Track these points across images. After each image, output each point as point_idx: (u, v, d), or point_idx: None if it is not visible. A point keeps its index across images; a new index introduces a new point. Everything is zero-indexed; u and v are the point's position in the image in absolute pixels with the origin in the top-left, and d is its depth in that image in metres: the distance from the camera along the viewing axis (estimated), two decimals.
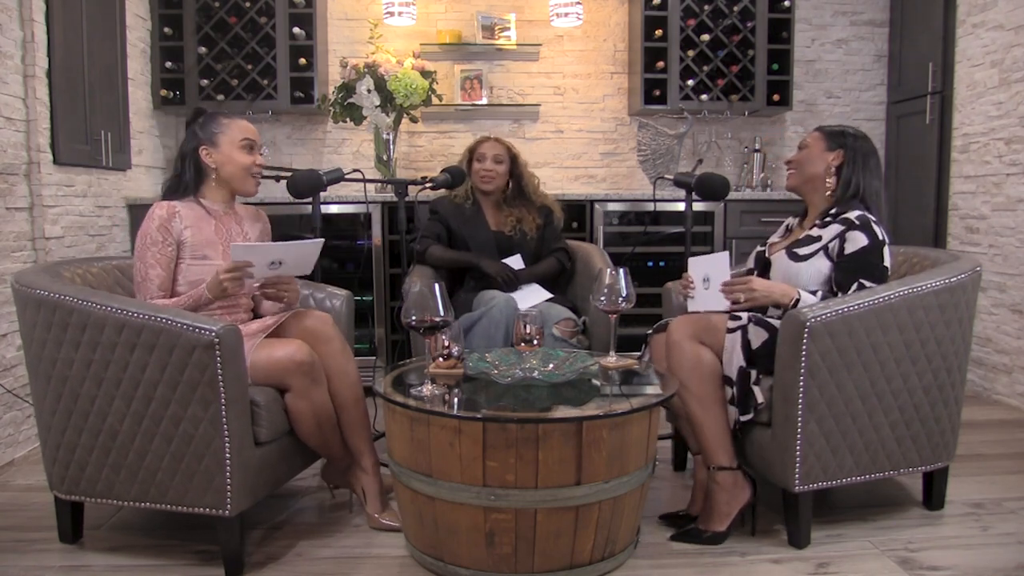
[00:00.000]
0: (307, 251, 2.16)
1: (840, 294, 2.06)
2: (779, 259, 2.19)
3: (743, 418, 2.06)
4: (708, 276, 2.17)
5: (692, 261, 2.27)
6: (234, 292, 2.09)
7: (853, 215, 2.10)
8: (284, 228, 3.91)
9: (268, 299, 2.23)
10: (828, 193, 2.20)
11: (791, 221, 2.40)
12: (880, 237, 2.08)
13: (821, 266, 2.11)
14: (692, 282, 2.27)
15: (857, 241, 2.07)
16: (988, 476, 2.57)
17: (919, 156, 4.06)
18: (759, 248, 2.38)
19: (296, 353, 2.03)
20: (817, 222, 2.19)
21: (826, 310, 1.94)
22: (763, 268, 2.27)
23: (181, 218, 2.13)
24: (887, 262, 2.09)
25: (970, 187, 3.62)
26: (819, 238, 2.14)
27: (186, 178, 2.21)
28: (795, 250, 2.16)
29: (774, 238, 2.40)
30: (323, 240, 2.23)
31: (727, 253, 2.19)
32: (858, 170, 2.17)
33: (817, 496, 2.15)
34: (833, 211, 2.17)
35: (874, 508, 2.31)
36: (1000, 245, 3.44)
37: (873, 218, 2.11)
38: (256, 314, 2.35)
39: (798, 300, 2.04)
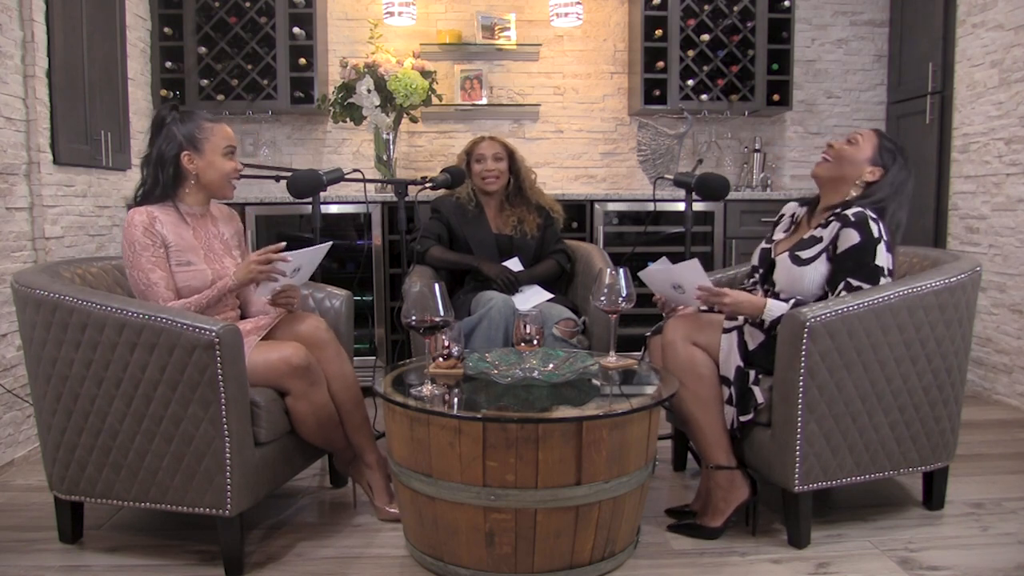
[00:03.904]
0: (319, 256, 2.21)
1: (830, 294, 2.05)
2: (782, 261, 2.14)
3: (743, 418, 2.06)
4: (679, 284, 2.10)
5: (649, 274, 2.15)
6: (260, 279, 2.09)
7: (851, 212, 2.04)
8: (284, 228, 3.92)
9: (278, 307, 2.22)
10: (848, 198, 2.12)
11: (798, 211, 2.32)
12: (875, 235, 2.01)
13: (823, 268, 2.07)
14: (662, 298, 2.22)
15: (849, 239, 2.02)
16: (988, 476, 2.57)
17: (919, 156, 4.05)
18: (765, 245, 2.31)
19: (292, 356, 2.03)
20: (821, 221, 2.14)
21: (826, 310, 1.94)
22: (768, 268, 2.22)
23: (161, 223, 2.11)
24: (880, 261, 2.02)
25: (970, 187, 3.62)
26: (820, 239, 2.09)
27: (162, 182, 2.15)
28: (798, 252, 2.11)
29: (779, 234, 2.32)
30: (331, 243, 2.25)
31: (697, 260, 2.07)
32: (889, 196, 2.09)
33: (817, 496, 2.15)
34: (837, 209, 2.10)
35: (874, 508, 2.31)
36: (1000, 245, 3.44)
37: (872, 215, 2.03)
38: (243, 314, 2.35)
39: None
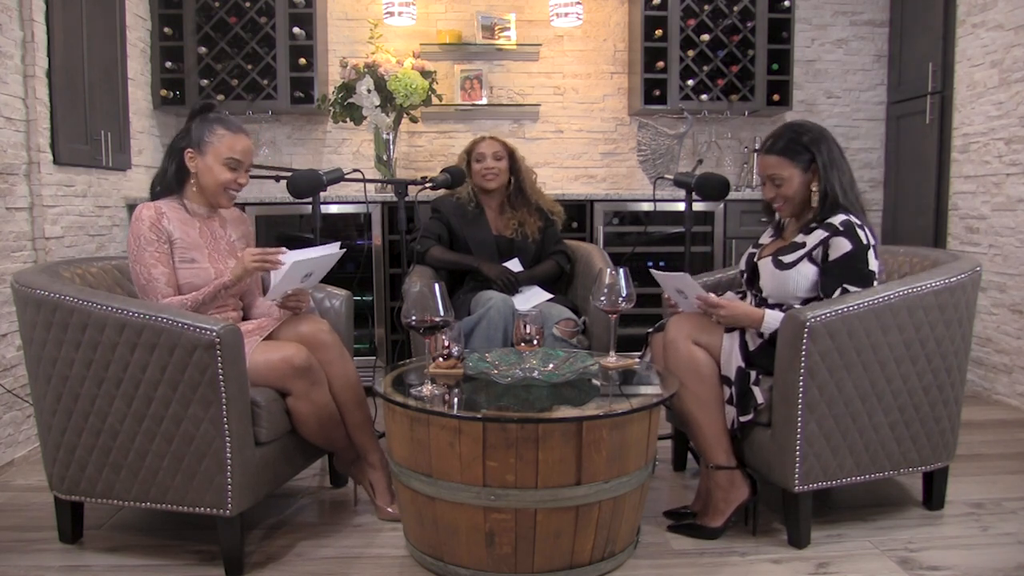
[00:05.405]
0: (332, 261, 2.20)
1: (824, 300, 2.05)
2: (765, 266, 2.16)
3: (743, 419, 2.06)
4: (682, 290, 2.17)
5: (661, 278, 2.23)
6: (252, 268, 2.07)
7: (837, 220, 2.06)
8: (284, 228, 3.92)
9: (287, 309, 2.22)
10: (815, 204, 2.14)
11: (785, 219, 2.34)
12: (865, 241, 2.05)
13: (807, 272, 2.09)
14: (671, 299, 2.28)
15: (841, 247, 2.04)
16: (988, 476, 2.57)
17: (919, 156, 4.06)
18: (751, 250, 2.34)
19: (294, 357, 2.03)
20: (803, 227, 2.16)
21: (826, 310, 1.94)
22: (752, 273, 2.24)
23: (168, 219, 2.13)
24: (872, 266, 2.06)
25: (970, 187, 3.62)
26: (803, 244, 2.11)
27: (169, 173, 2.21)
28: (780, 257, 2.13)
29: (765, 239, 2.36)
30: (343, 249, 2.23)
31: (687, 274, 2.15)
32: (833, 169, 2.11)
33: (817, 496, 2.15)
34: (818, 217, 2.13)
35: (874, 508, 2.31)
36: (1000, 245, 3.44)
37: (857, 222, 2.07)
38: (246, 315, 2.35)
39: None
